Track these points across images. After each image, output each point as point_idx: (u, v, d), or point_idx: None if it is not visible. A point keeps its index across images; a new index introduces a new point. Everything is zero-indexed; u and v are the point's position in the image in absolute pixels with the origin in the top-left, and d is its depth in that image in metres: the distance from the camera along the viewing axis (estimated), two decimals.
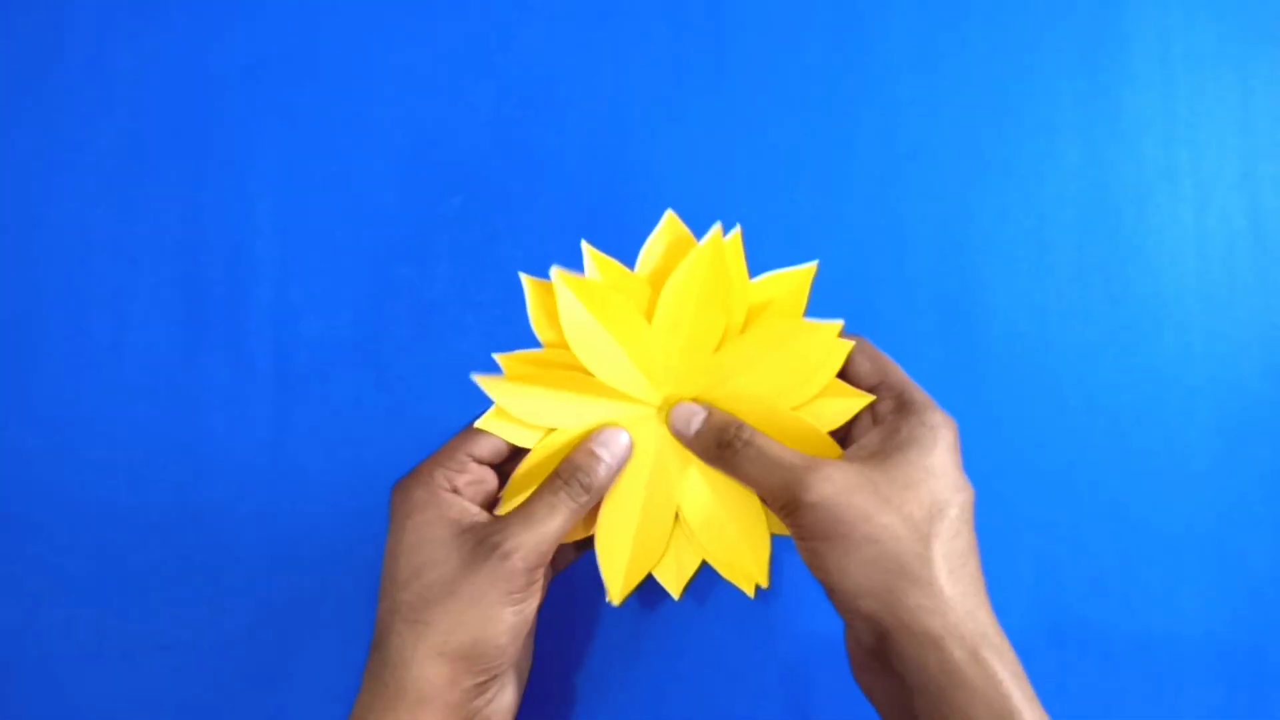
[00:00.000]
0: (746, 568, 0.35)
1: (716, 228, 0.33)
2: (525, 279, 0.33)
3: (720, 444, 0.33)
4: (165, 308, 0.45)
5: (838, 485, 0.30)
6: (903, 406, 0.32)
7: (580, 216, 0.45)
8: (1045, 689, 0.42)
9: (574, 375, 0.34)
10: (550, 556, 0.32)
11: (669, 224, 0.34)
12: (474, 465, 0.34)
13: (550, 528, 0.32)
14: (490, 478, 0.34)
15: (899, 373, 0.33)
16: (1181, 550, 0.43)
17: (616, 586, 0.35)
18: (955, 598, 0.29)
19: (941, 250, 0.45)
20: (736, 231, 0.34)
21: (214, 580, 0.44)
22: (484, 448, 0.34)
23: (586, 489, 0.33)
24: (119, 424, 0.45)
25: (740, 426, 0.33)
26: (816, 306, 0.34)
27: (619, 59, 0.46)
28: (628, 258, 0.34)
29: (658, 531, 0.35)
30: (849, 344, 0.33)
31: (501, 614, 0.30)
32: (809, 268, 0.34)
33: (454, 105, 0.46)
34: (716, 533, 0.35)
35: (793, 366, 0.33)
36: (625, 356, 0.34)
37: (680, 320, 0.34)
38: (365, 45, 0.47)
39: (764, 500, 0.33)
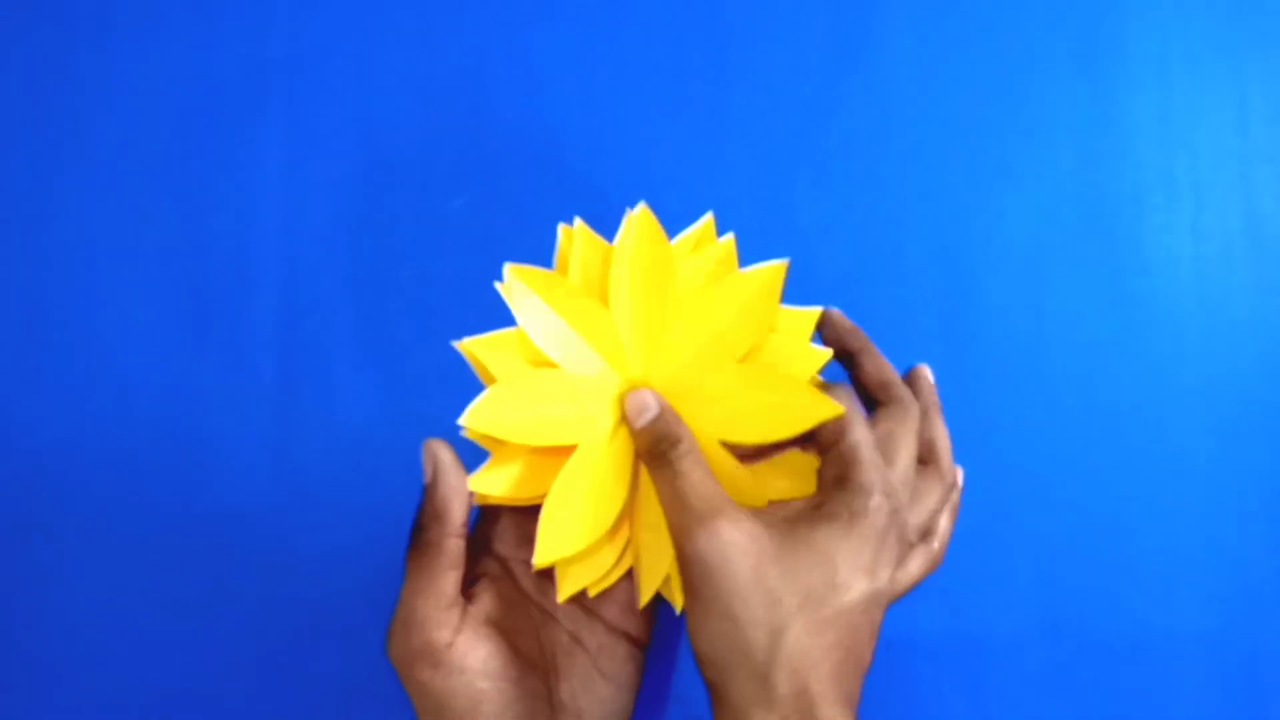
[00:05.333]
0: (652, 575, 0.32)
1: (641, 207, 0.33)
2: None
3: (652, 453, 0.30)
4: (168, 309, 0.46)
5: (720, 548, 0.27)
6: (842, 480, 0.30)
7: (582, 217, 0.45)
8: (1043, 689, 0.43)
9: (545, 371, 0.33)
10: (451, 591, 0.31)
11: (564, 235, 0.34)
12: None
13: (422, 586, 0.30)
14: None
15: (861, 427, 0.30)
16: (1178, 550, 0.43)
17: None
18: (787, 697, 0.27)
19: (939, 251, 0.45)
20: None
21: (216, 581, 0.44)
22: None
23: (439, 536, 0.31)
24: (122, 425, 0.45)
25: (676, 443, 0.30)
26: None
27: (620, 61, 0.47)
28: None
29: None
30: (781, 266, 0.33)
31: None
32: (728, 239, 0.34)
33: (456, 107, 0.46)
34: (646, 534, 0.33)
35: (727, 304, 0.33)
36: (587, 344, 0.33)
37: (629, 297, 0.33)
38: (368, 47, 0.47)
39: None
